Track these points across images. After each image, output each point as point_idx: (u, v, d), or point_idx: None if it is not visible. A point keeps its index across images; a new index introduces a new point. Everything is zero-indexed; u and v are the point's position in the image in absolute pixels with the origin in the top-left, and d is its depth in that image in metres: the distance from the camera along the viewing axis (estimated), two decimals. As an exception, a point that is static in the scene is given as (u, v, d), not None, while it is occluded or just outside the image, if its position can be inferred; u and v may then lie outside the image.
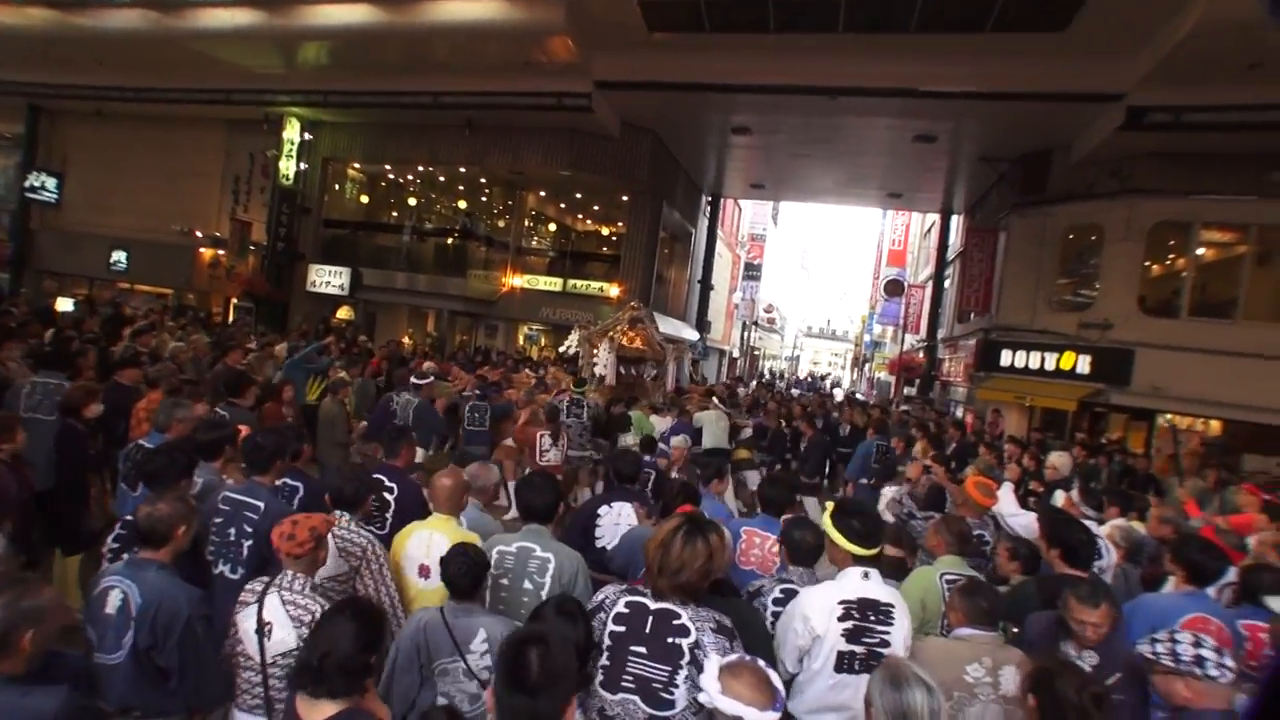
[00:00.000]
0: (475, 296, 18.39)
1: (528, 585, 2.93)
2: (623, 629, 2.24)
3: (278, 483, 3.74)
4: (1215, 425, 13.04)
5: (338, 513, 3.20)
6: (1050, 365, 13.50)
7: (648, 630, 2.21)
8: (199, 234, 19.34)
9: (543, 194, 20.74)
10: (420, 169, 19.44)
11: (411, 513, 3.76)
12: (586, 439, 8.49)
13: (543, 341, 22.29)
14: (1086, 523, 3.93)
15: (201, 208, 19.59)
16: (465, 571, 2.57)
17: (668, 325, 18.27)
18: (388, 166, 19.80)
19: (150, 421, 4.79)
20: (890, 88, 12.50)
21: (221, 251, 19.07)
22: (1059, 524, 3.54)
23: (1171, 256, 13.83)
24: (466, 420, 8.24)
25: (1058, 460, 7.48)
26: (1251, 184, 12.09)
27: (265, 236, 18.43)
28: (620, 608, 2.27)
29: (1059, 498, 5.88)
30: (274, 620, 2.48)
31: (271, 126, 18.00)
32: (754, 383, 26.83)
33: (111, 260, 19.86)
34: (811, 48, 12.09)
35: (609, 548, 3.98)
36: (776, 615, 2.87)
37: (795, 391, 26.15)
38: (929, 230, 26.97)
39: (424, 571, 3.20)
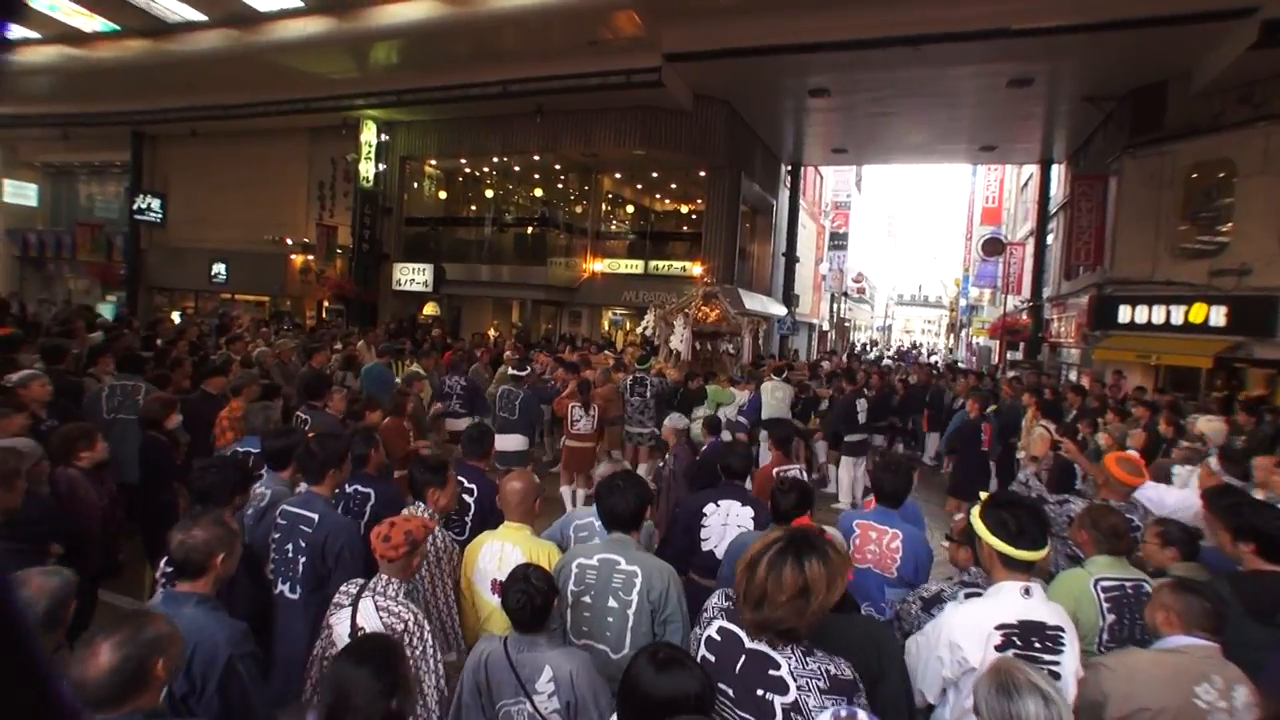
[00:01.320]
0: (557, 284, 18.42)
1: (613, 603, 2.62)
2: (713, 658, 1.93)
3: (349, 490, 3.61)
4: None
5: (419, 504, 3.21)
6: (1178, 319, 12.28)
7: (737, 670, 1.86)
8: (289, 241, 20.20)
9: (618, 176, 20.53)
10: (495, 160, 19.56)
11: (494, 514, 3.59)
12: (648, 416, 8.31)
13: (628, 325, 22.17)
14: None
15: (290, 215, 20.44)
16: (524, 603, 2.24)
17: (753, 301, 17.78)
18: (463, 160, 20.06)
19: (235, 430, 4.79)
20: (979, 30, 11.46)
21: (310, 257, 19.85)
22: (1247, 510, 2.87)
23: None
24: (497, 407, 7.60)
25: (1208, 428, 6.51)
26: None
27: (350, 239, 19.03)
28: (713, 632, 1.96)
29: (1184, 470, 5.11)
30: (366, 625, 2.40)
31: (349, 131, 18.51)
32: (845, 354, 25.90)
33: (213, 273, 20.97)
34: (887, -4, 11.28)
35: (716, 551, 3.67)
36: None
37: (888, 363, 25.03)
38: (1026, 184, 25.19)
39: (497, 588, 2.91)
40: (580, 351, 12.38)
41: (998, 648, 2.11)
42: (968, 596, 2.61)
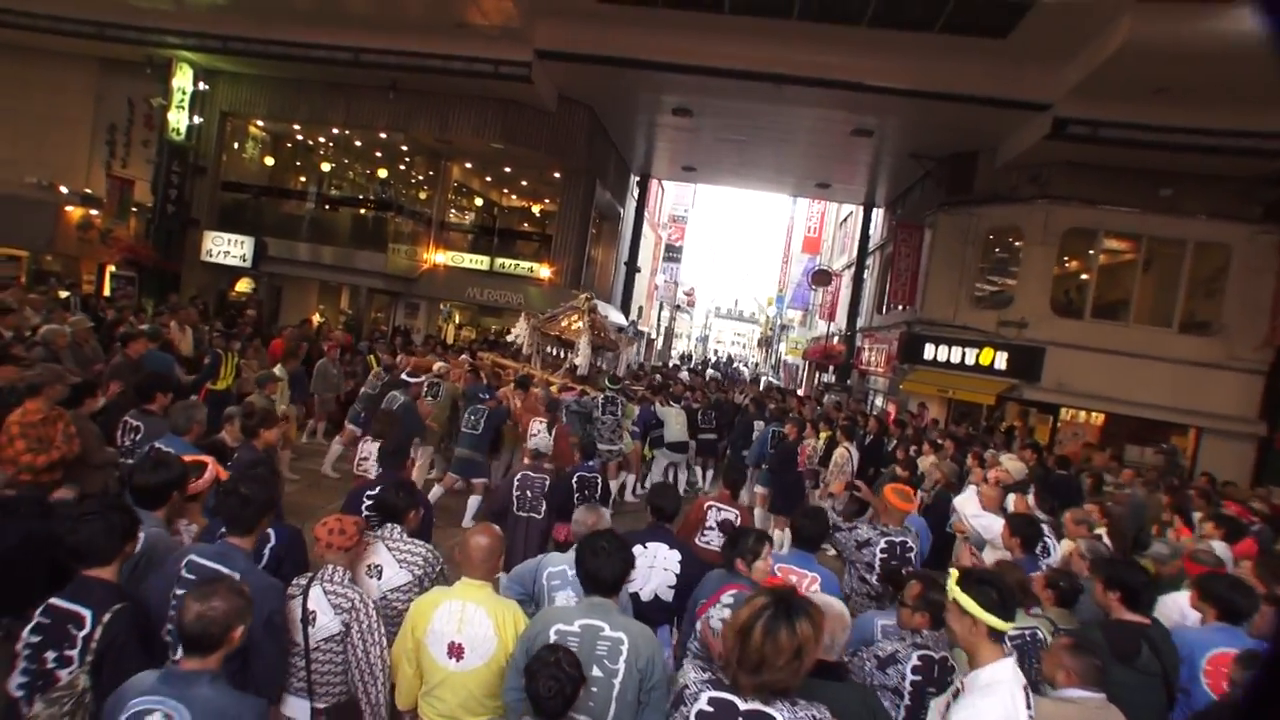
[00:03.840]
0: (394, 273, 17.12)
1: (597, 672, 2.47)
2: None
3: None
4: (1099, 418, 14.10)
5: (389, 526, 3.22)
6: (970, 360, 14.09)
7: None
8: (63, 189, 16.60)
9: (469, 166, 19.53)
10: (335, 131, 17.81)
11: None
12: (618, 435, 8.47)
13: (457, 319, 21.14)
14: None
15: (66, 158, 16.89)
16: (556, 691, 2.10)
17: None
18: (297, 126, 18.06)
19: (24, 439, 3.90)
20: (838, 80, 12.46)
21: (95, 211, 16.49)
22: (1115, 565, 3.40)
23: (1077, 261, 14.81)
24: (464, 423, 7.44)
25: (1011, 465, 7.56)
26: (1145, 198, 13.13)
27: (151, 197, 16.31)
28: (703, 704, 1.97)
29: (1011, 501, 5.98)
30: (317, 609, 2.66)
31: (157, 71, 15.79)
32: (677, 366, 26.81)
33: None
34: (760, 32, 11.90)
35: (641, 594, 3.61)
36: (915, 685, 2.62)
37: (713, 374, 26.29)
38: (845, 220, 27.60)
39: (455, 651, 2.65)
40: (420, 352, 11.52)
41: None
42: (920, 658, 2.79)
